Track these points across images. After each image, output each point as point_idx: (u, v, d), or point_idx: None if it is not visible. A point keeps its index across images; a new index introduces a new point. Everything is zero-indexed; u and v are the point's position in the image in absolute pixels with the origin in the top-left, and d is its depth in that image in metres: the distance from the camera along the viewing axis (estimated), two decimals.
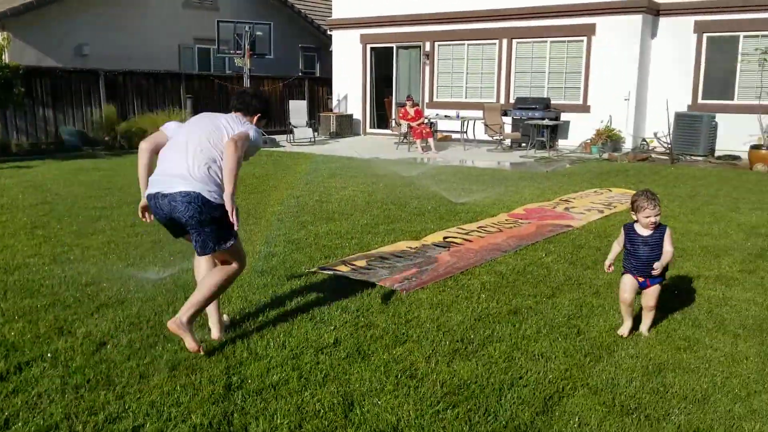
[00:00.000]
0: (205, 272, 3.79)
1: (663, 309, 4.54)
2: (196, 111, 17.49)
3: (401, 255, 5.86)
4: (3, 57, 13.92)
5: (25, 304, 4.47)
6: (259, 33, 16.75)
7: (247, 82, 16.55)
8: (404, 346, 3.89)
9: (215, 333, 3.87)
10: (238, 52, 16.49)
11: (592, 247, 6.26)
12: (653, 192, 4.09)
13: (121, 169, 11.30)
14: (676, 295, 4.83)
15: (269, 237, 6.47)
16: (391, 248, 6.11)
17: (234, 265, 3.77)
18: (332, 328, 4.13)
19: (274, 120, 18.83)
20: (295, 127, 17.25)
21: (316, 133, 17.72)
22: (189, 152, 3.57)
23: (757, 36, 13.98)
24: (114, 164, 12.28)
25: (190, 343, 3.54)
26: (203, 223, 3.53)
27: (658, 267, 4.00)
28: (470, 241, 6.46)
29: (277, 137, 17.41)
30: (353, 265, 5.51)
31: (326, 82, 21.13)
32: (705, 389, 3.40)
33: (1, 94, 13.91)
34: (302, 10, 23.73)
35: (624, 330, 4.09)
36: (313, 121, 18.43)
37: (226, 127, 3.69)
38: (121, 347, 3.77)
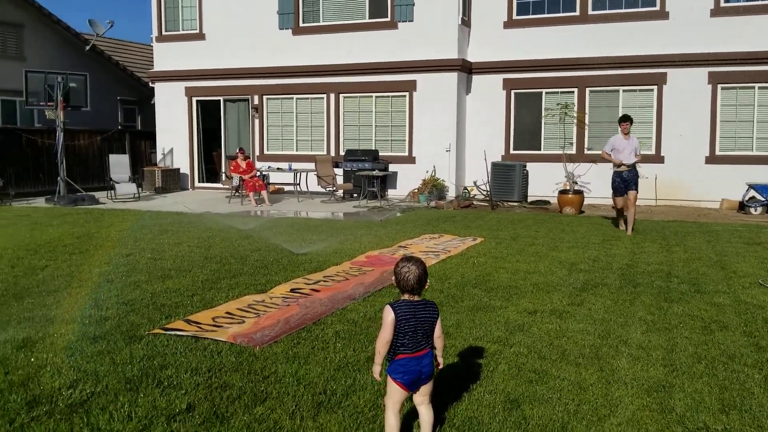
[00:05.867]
0: None
1: (509, 344, 4.76)
2: (0, 167, 15.91)
3: (248, 309, 5.63)
4: None
5: None
6: (73, 84, 15.72)
7: (60, 136, 15.37)
8: (265, 404, 3.68)
9: None
10: (50, 104, 15.31)
11: (435, 290, 6.44)
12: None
13: None
14: (520, 329, 5.09)
15: (99, 300, 5.92)
16: (236, 303, 5.85)
17: None
18: (183, 392, 3.81)
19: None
20: (116, 182, 16.22)
21: (140, 189, 16.78)
22: None
23: (557, 92, 15.60)
24: None
25: None
26: None
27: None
28: (318, 291, 6.38)
29: (97, 194, 16.25)
30: (198, 323, 5.19)
31: (149, 135, 20.24)
32: (561, 418, 3.57)
33: None
34: (120, 62, 22.71)
35: None
36: (137, 176, 17.49)
37: None
38: None
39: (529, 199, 15.37)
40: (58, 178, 15.49)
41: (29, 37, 19.95)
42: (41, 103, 15.45)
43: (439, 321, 3.31)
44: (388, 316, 3.15)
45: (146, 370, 4.15)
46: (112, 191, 16.11)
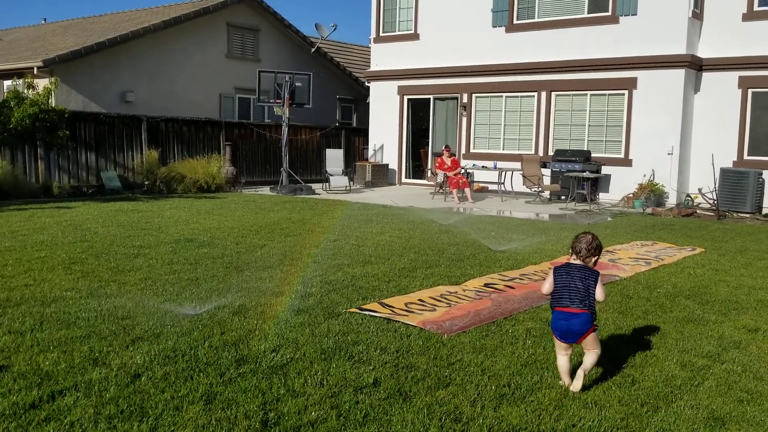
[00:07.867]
0: None
1: (721, 360, 4.29)
2: (234, 157, 17.74)
3: (440, 299, 5.69)
4: (50, 100, 14.36)
5: (60, 334, 4.40)
6: (298, 84, 17.03)
7: (285, 131, 16.77)
8: (447, 389, 3.69)
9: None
10: (277, 101, 16.76)
11: (642, 297, 6.01)
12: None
13: (160, 211, 11.39)
14: (735, 346, 4.57)
15: (305, 278, 6.36)
16: (429, 292, 5.95)
17: None
18: (371, 368, 3.95)
19: None
20: (331, 175, 17.35)
21: (351, 182, 17.78)
22: None
23: None
24: (153, 206, 12.39)
25: None
26: None
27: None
28: (512, 287, 6.26)
29: (313, 185, 17.50)
30: (391, 306, 5.35)
31: (362, 132, 21.35)
32: None
33: (46, 135, 14.32)
34: (341, 63, 24.20)
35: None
36: (349, 170, 18.53)
37: None
38: (156, 379, 3.65)
39: (764, 211, 13.72)
40: (281, 169, 16.91)
41: (264, 41, 22.03)
42: (270, 101, 16.96)
43: (600, 285, 3.75)
44: (550, 272, 3.89)
45: (340, 344, 4.36)
46: (327, 183, 17.26)
